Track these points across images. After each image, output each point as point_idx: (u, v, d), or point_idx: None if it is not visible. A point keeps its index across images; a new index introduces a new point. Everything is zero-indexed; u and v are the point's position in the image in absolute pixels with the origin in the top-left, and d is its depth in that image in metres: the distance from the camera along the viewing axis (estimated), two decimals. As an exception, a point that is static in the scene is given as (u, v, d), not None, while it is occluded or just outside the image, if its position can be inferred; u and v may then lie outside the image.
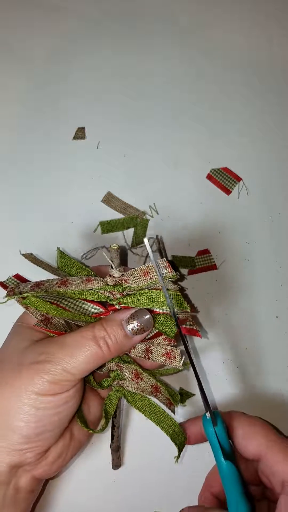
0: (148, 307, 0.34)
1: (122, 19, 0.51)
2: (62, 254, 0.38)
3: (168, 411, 0.36)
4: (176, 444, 0.35)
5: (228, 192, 0.45)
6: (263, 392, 0.40)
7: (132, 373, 0.34)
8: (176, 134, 0.47)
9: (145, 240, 0.33)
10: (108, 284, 0.34)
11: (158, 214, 0.44)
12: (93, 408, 0.36)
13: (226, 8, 0.52)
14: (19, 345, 0.32)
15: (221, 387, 0.40)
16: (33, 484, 0.32)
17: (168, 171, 0.46)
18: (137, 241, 0.43)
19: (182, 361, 0.33)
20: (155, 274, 0.33)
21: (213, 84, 0.49)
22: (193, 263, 0.43)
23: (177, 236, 0.44)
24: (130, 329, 0.32)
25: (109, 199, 0.45)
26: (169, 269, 0.34)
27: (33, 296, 0.33)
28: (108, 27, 0.51)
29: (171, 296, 0.34)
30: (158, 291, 0.34)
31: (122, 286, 0.34)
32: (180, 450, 0.35)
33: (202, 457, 0.38)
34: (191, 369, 0.34)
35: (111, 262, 0.33)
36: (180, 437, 0.35)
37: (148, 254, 0.32)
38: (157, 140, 0.47)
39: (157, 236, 0.34)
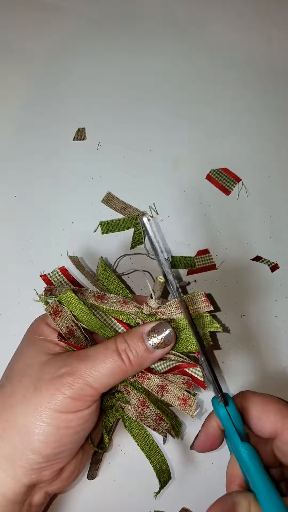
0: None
1: (122, 19, 0.51)
2: (105, 267, 0.37)
3: (161, 446, 0.36)
4: (160, 481, 0.35)
5: (227, 192, 0.45)
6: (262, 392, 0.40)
7: (139, 401, 0.34)
8: (176, 134, 0.47)
9: (144, 218, 0.31)
10: (142, 312, 0.33)
11: (158, 214, 0.45)
12: (99, 423, 0.35)
13: (226, 8, 0.52)
14: (37, 359, 0.31)
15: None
16: (45, 499, 0.32)
17: (168, 171, 0.46)
18: (137, 241, 0.43)
19: (196, 411, 0.32)
20: (189, 308, 0.33)
21: (213, 84, 0.49)
22: (193, 263, 0.43)
23: (177, 236, 0.44)
24: (151, 343, 0.31)
25: (109, 199, 0.45)
26: (207, 303, 0.34)
27: (70, 292, 0.33)
28: (108, 27, 0.51)
29: (202, 319, 0.34)
30: (186, 321, 0.33)
31: (156, 318, 0.33)
32: (161, 487, 0.35)
33: (202, 457, 0.38)
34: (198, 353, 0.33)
35: (152, 292, 0.33)
36: (165, 476, 0.36)
37: (147, 232, 0.31)
38: (157, 140, 0.47)
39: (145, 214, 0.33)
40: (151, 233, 0.31)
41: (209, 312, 0.34)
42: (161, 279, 0.32)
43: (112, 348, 0.30)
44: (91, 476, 0.37)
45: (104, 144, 0.47)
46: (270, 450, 0.31)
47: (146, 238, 0.32)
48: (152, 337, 0.31)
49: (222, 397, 0.30)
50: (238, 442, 0.29)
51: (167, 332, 0.32)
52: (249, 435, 0.31)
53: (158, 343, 0.31)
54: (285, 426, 0.29)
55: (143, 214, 0.32)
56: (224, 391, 0.38)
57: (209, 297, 0.42)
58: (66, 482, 0.32)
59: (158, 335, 0.31)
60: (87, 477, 0.37)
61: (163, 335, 0.31)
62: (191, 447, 0.33)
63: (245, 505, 0.26)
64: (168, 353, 0.33)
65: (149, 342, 0.31)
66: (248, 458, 0.28)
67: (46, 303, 0.34)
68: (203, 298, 0.34)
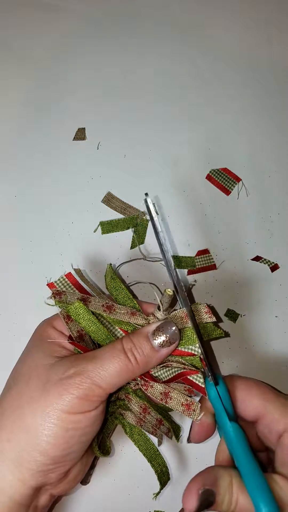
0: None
1: (122, 19, 0.51)
2: (113, 275, 0.37)
3: (160, 450, 0.37)
4: (160, 483, 0.36)
5: (227, 192, 0.45)
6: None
7: (141, 407, 0.34)
8: (176, 134, 0.47)
9: (148, 199, 0.31)
10: (150, 323, 0.34)
11: (158, 214, 0.44)
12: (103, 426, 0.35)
13: (226, 8, 0.52)
14: (44, 361, 0.31)
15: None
16: (50, 501, 0.32)
17: (168, 171, 0.46)
18: (139, 241, 0.43)
19: (200, 416, 0.32)
20: (195, 318, 0.34)
21: (213, 84, 0.49)
22: (193, 263, 0.43)
23: (177, 236, 0.44)
24: (156, 342, 0.31)
25: (109, 199, 0.45)
26: (210, 315, 0.35)
27: (79, 303, 0.33)
28: (108, 27, 0.51)
29: (205, 327, 0.35)
30: (191, 330, 0.34)
31: None
32: (161, 488, 0.36)
33: (199, 457, 0.38)
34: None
35: (160, 304, 0.33)
36: (165, 477, 0.37)
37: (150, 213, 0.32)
38: (157, 140, 0.47)
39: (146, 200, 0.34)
40: (153, 214, 0.31)
41: (212, 323, 0.35)
42: (169, 291, 0.32)
43: (119, 348, 0.31)
44: (85, 481, 0.37)
45: (104, 144, 0.47)
46: (256, 434, 0.32)
47: (155, 233, 0.32)
48: (157, 336, 0.32)
49: (213, 377, 0.31)
50: (226, 421, 0.29)
51: (172, 330, 0.32)
52: (239, 420, 0.32)
53: (163, 342, 0.31)
54: (267, 410, 0.30)
55: (146, 194, 0.33)
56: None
57: (211, 302, 0.42)
58: (71, 484, 0.32)
59: (163, 334, 0.32)
60: (80, 482, 0.37)
61: (168, 333, 0.32)
62: (188, 441, 0.33)
63: (227, 480, 0.27)
64: (171, 360, 0.34)
65: (154, 341, 0.31)
66: (234, 436, 0.29)
67: (62, 306, 0.34)
68: (206, 310, 0.35)
